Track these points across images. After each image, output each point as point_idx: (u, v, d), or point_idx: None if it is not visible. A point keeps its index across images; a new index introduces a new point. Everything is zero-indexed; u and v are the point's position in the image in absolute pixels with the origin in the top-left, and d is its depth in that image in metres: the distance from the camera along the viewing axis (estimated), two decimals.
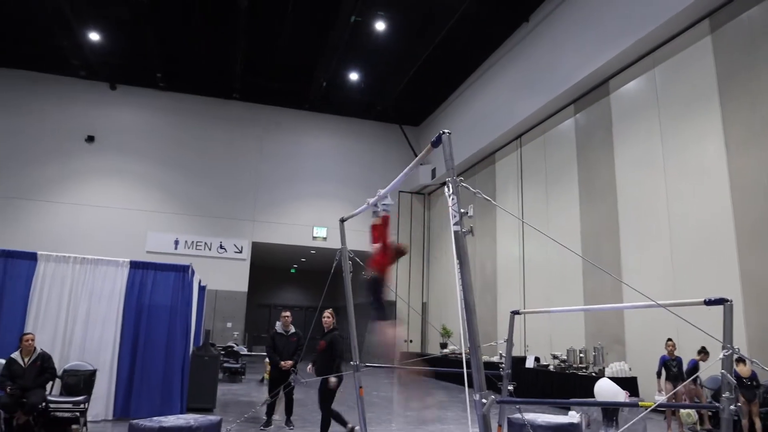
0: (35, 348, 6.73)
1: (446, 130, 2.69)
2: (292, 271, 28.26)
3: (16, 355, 6.61)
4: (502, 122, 15.41)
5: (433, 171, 19.57)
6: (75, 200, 17.66)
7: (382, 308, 4.21)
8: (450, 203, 2.49)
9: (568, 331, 12.16)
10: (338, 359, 6.42)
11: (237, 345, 15.36)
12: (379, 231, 4.34)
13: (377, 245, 4.35)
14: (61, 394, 7.01)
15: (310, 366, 6.51)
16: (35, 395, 6.40)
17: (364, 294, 4.32)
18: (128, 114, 18.86)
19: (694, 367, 7.74)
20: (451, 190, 2.51)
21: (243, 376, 13.78)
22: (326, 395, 6.21)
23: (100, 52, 16.70)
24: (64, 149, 17.87)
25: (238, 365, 13.65)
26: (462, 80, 18.01)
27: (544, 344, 12.82)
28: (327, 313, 6.84)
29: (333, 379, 6.14)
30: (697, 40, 9.85)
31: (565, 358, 11.15)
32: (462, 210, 2.47)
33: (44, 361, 6.70)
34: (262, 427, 7.25)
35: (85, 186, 17.92)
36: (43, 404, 6.53)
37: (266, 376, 10.93)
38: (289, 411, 7.51)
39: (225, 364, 13.29)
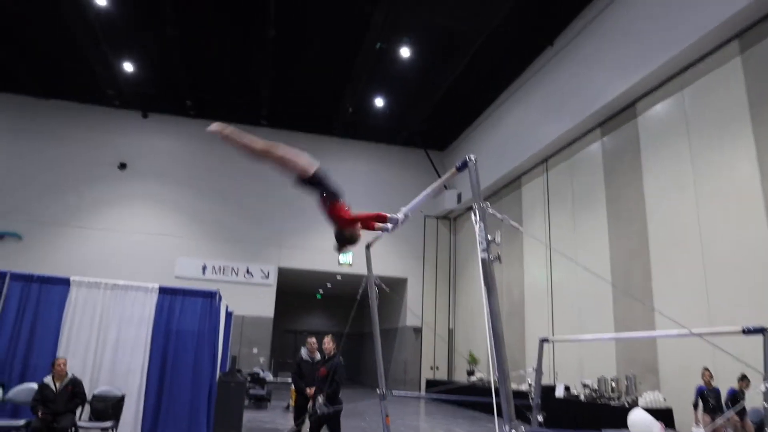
0: (67, 373, 6.84)
1: (472, 156, 2.68)
2: (318, 296, 28.29)
3: (48, 379, 6.73)
4: (528, 146, 15.34)
5: (459, 195, 19.52)
6: (106, 226, 18.06)
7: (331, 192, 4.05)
8: (477, 230, 2.47)
9: (598, 358, 11.85)
10: (337, 385, 6.29)
11: (263, 371, 15.35)
12: (369, 218, 4.16)
13: (360, 216, 4.13)
14: (90, 419, 7.08)
15: (320, 397, 6.25)
16: (66, 420, 6.48)
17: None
18: (159, 141, 19.35)
19: (733, 396, 7.43)
20: (478, 217, 2.49)
21: (269, 403, 13.73)
22: (334, 425, 6.14)
23: (134, 82, 17.26)
24: (97, 176, 18.35)
25: (263, 392, 13.62)
26: (487, 105, 18.05)
27: (574, 371, 12.50)
28: (327, 338, 6.76)
29: (319, 400, 6.09)
30: (727, 61, 9.70)
31: (596, 387, 10.86)
32: (489, 237, 2.45)
33: (75, 386, 6.80)
34: None
35: (117, 212, 18.33)
36: (73, 429, 6.61)
37: (292, 403, 10.88)
38: None
39: (251, 391, 13.27)
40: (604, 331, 11.53)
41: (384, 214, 3.98)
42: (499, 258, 2.46)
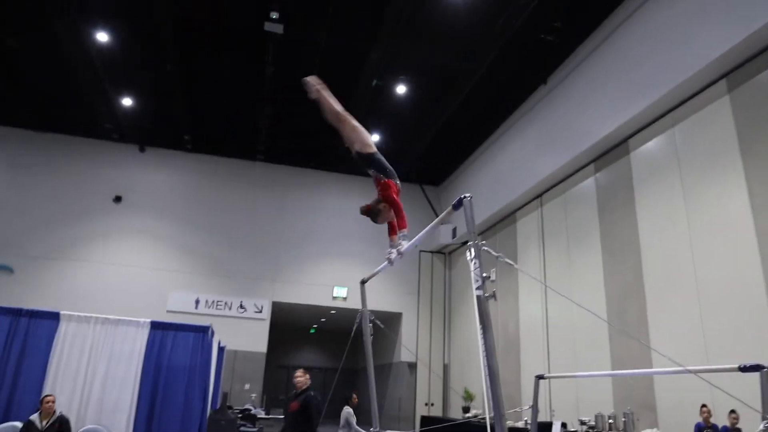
0: (55, 410, 6.69)
1: (467, 194, 2.71)
2: (312, 331, 27.98)
3: (34, 417, 6.57)
4: (522, 181, 15.45)
5: (454, 230, 19.54)
6: (100, 259, 17.93)
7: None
8: (472, 267, 2.48)
9: (595, 395, 11.70)
10: (313, 423, 6.13)
11: (254, 407, 15.07)
12: (401, 211, 4.54)
13: (398, 203, 4.55)
14: None
15: None
16: None
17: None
18: (156, 175, 19.39)
19: None
20: (473, 255, 2.50)
21: None
22: None
23: (132, 116, 17.39)
24: (92, 209, 18.30)
25: (255, 429, 13.31)
26: (482, 141, 18.24)
27: (570, 408, 12.33)
28: (299, 372, 6.64)
29: None
30: (715, 99, 9.90)
31: (594, 424, 10.70)
32: (484, 274, 2.45)
33: (62, 424, 6.64)
34: None
35: (111, 245, 18.22)
36: None
37: None
38: None
39: (242, 428, 12.98)
40: (601, 367, 11.42)
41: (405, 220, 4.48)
42: (494, 296, 2.46)
